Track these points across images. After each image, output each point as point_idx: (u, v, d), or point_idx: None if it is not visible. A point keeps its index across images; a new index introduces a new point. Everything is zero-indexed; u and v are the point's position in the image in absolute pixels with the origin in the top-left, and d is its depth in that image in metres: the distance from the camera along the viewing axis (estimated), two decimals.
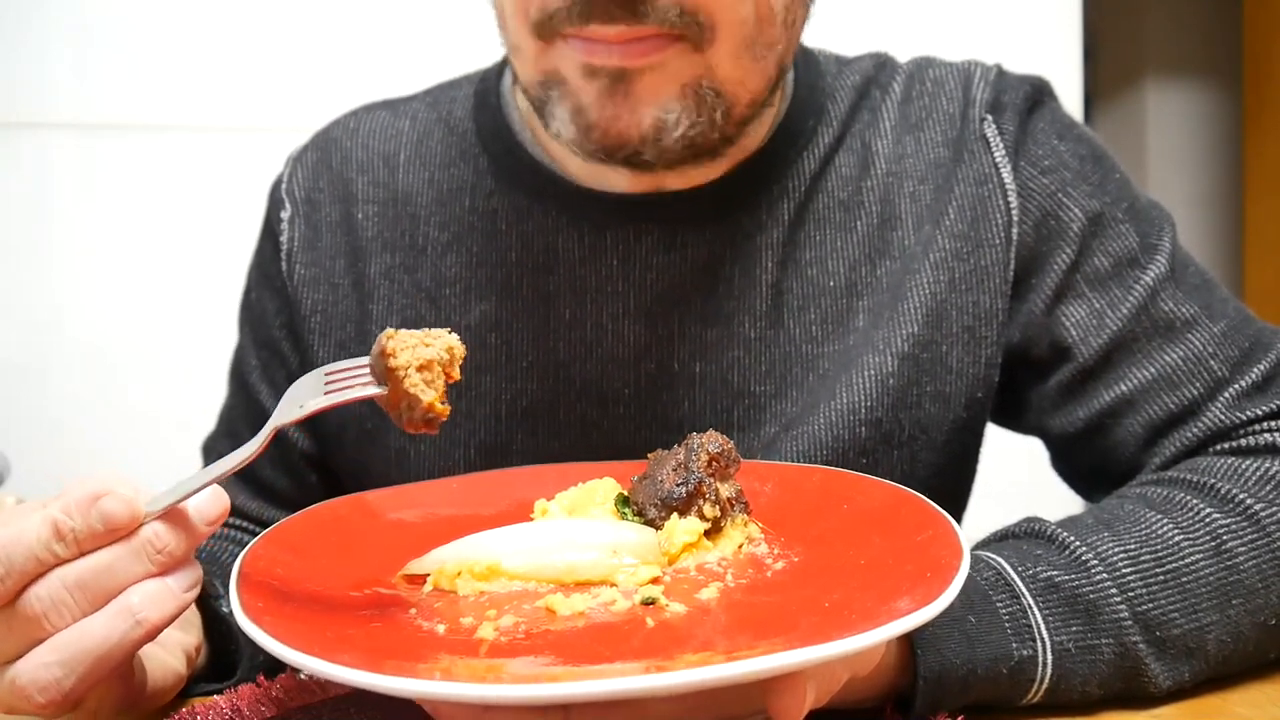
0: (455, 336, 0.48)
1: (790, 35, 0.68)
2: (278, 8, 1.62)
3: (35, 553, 0.43)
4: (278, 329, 0.79)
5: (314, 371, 0.48)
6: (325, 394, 0.47)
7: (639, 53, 0.61)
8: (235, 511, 0.81)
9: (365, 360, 0.48)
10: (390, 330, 0.47)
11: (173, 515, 0.45)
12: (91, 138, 1.60)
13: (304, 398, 0.47)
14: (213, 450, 0.84)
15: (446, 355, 0.48)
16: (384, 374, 0.47)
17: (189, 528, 0.45)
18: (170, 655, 0.56)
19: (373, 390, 0.47)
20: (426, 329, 0.48)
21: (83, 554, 0.43)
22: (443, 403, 0.47)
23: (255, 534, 0.78)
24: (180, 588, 0.45)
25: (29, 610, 0.43)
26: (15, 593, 0.43)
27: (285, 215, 0.80)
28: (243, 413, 0.82)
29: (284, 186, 0.81)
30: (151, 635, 0.44)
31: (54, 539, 0.43)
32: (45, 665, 0.43)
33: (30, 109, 1.59)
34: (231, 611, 0.44)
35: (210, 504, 0.46)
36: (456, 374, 0.48)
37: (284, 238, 0.79)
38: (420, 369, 0.47)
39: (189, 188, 1.61)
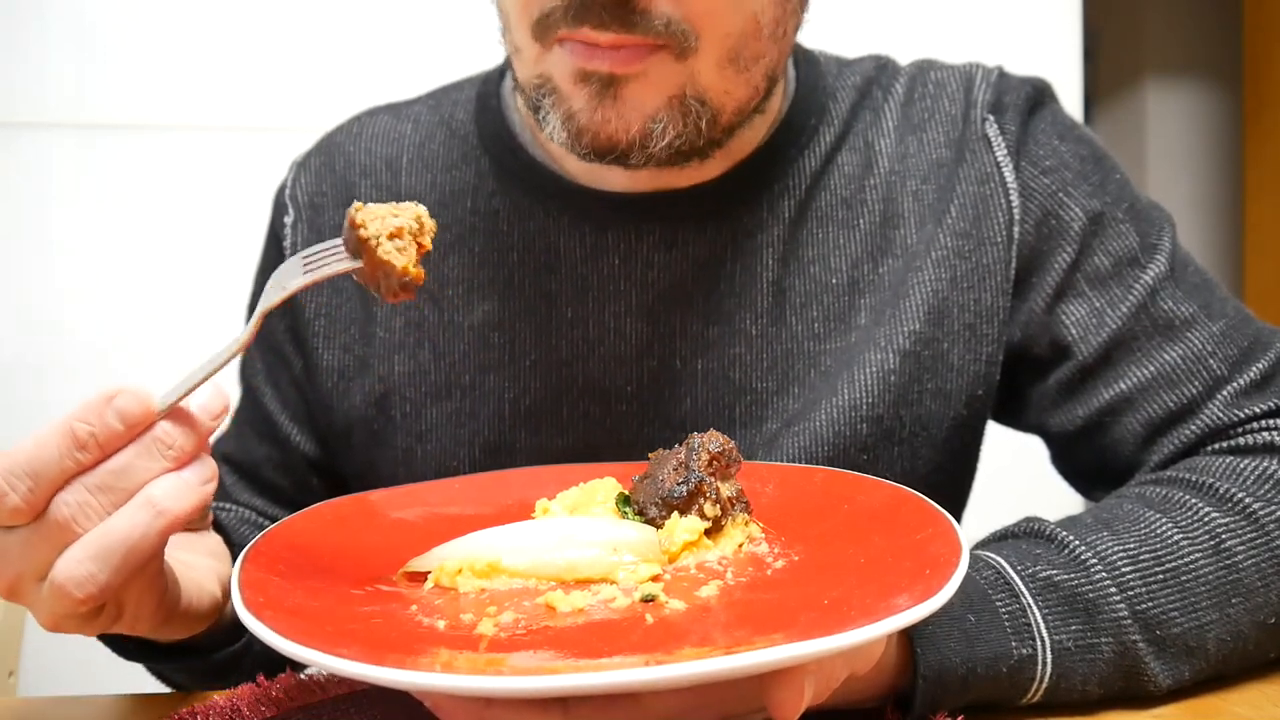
0: (422, 207, 0.50)
1: (780, 47, 0.68)
2: (278, 8, 1.62)
3: (59, 462, 0.44)
4: (282, 333, 0.79)
5: (293, 258, 0.50)
6: (304, 273, 0.49)
7: (625, 60, 0.62)
8: (243, 504, 0.82)
9: (339, 240, 0.50)
10: (358, 204, 0.49)
11: (179, 414, 0.46)
12: (91, 138, 1.60)
13: (285, 279, 0.49)
14: (215, 451, 0.84)
15: (416, 224, 0.50)
16: (357, 246, 0.49)
17: (196, 424, 0.47)
18: (203, 578, 0.59)
19: (348, 264, 0.49)
20: (394, 202, 0.50)
21: (105, 457, 0.45)
22: (416, 266, 0.49)
23: (261, 526, 0.78)
24: (197, 480, 0.46)
25: (58, 517, 0.45)
26: (44, 504, 0.45)
27: (289, 220, 0.80)
28: (248, 415, 0.82)
29: (287, 191, 0.81)
30: (175, 526, 0.46)
31: (75, 447, 0.44)
32: (79, 562, 0.44)
33: (30, 109, 1.59)
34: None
35: (213, 399, 0.47)
36: (428, 243, 0.50)
37: (287, 242, 0.80)
38: (391, 236, 0.48)
39: (189, 187, 1.61)
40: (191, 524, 0.61)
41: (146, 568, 0.48)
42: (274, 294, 0.49)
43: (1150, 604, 0.56)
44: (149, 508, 0.45)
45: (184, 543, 0.62)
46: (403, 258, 0.49)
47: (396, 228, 0.49)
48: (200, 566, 0.60)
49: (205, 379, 0.47)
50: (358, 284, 0.75)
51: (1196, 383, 0.69)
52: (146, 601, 0.51)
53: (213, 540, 0.69)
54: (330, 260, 0.49)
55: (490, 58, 0.83)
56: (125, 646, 0.62)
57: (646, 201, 0.73)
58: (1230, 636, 0.58)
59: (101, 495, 0.45)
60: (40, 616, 0.48)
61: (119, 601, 0.50)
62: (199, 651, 0.64)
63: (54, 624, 0.48)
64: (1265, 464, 0.63)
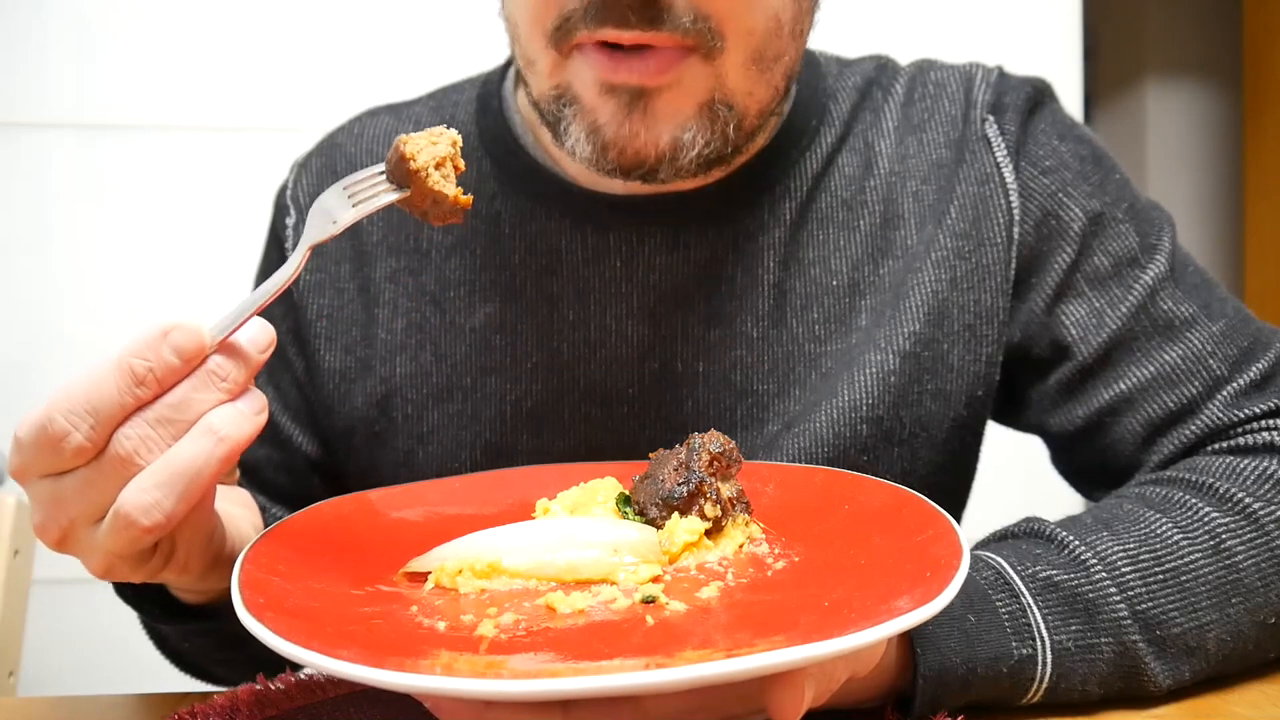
0: (454, 130, 0.52)
1: (797, 45, 0.68)
2: (278, 8, 1.62)
3: (118, 398, 0.45)
4: (284, 334, 0.79)
5: (333, 187, 0.51)
6: (353, 206, 0.50)
7: (657, 70, 0.61)
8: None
9: (378, 169, 0.51)
10: (403, 136, 0.50)
11: (228, 348, 0.47)
12: (91, 138, 1.60)
13: (333, 212, 0.50)
14: None
15: (453, 149, 0.51)
16: (406, 177, 0.50)
17: (245, 357, 0.47)
18: (242, 524, 0.61)
19: (396, 195, 0.51)
20: (429, 129, 0.52)
21: (162, 391, 0.46)
22: (465, 193, 0.51)
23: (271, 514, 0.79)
24: (251, 410, 0.47)
25: (120, 452, 0.45)
26: (104, 441, 0.45)
27: (290, 221, 0.80)
28: None
29: (288, 193, 0.81)
30: (234, 454, 0.46)
31: (134, 383, 0.45)
32: (145, 490, 0.45)
33: (30, 109, 1.59)
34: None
35: (261, 333, 0.48)
36: (462, 164, 0.52)
37: (289, 244, 0.80)
38: (437, 166, 0.50)
39: (189, 188, 1.62)
40: (222, 476, 0.63)
41: (201, 503, 0.49)
42: (323, 226, 0.50)
43: (1150, 604, 0.56)
44: (210, 435, 0.45)
45: (219, 493, 0.63)
46: (451, 185, 0.51)
47: (440, 157, 0.50)
48: (238, 515, 0.62)
49: (252, 314, 0.48)
50: (362, 301, 0.76)
51: (1196, 383, 0.69)
52: (198, 541, 0.52)
53: (243, 493, 0.70)
54: (376, 191, 0.51)
55: (490, 58, 0.83)
56: (154, 611, 0.63)
57: (648, 204, 0.73)
58: (1230, 636, 0.58)
59: (161, 428, 0.45)
60: (93, 562, 0.48)
61: (172, 540, 0.51)
62: (225, 613, 0.63)
63: (107, 567, 0.48)
64: (1265, 464, 0.63)
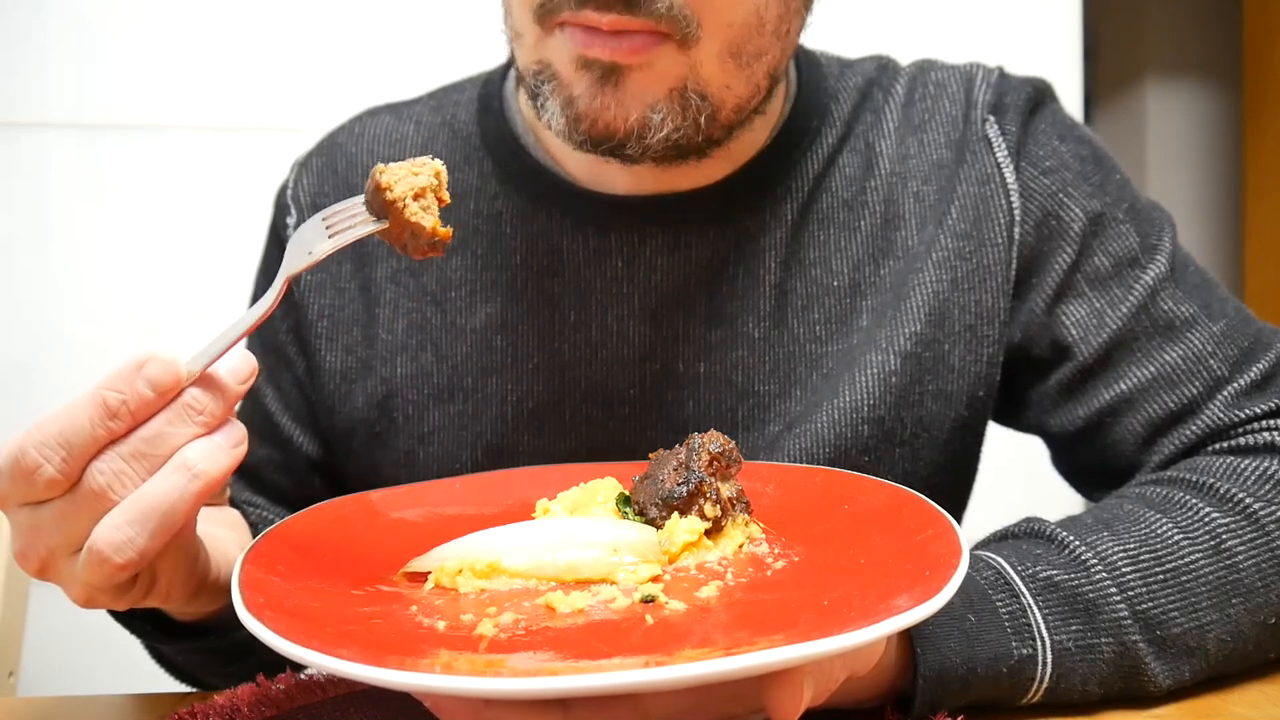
0: (439, 161, 0.51)
1: (783, 45, 0.68)
2: (278, 8, 1.62)
3: (91, 431, 0.44)
4: (284, 334, 0.79)
5: (312, 218, 0.50)
6: (330, 237, 0.49)
7: (629, 50, 0.62)
8: (244, 503, 0.81)
9: (359, 200, 0.50)
10: (380, 165, 0.49)
11: (206, 379, 0.47)
12: (91, 138, 1.60)
13: (310, 244, 0.49)
14: None
15: (435, 180, 0.50)
16: (383, 208, 0.49)
17: (224, 388, 0.47)
18: (228, 548, 0.60)
19: (373, 226, 0.49)
20: (412, 159, 0.50)
21: (136, 424, 0.45)
22: (443, 226, 0.50)
23: (261, 526, 0.79)
24: (228, 444, 0.47)
25: (94, 485, 0.45)
26: (78, 474, 0.45)
27: (290, 221, 0.80)
28: (249, 417, 0.82)
29: (289, 192, 0.81)
30: (209, 489, 0.46)
31: (107, 416, 0.45)
32: (117, 527, 0.44)
33: (30, 109, 1.59)
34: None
35: (241, 364, 0.48)
36: (446, 197, 0.50)
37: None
38: (416, 197, 0.49)
39: (189, 188, 1.61)
40: (210, 497, 0.62)
41: (180, 535, 0.49)
42: (300, 258, 0.49)
43: (1150, 604, 0.57)
44: (184, 471, 0.45)
45: (206, 515, 0.62)
46: (430, 217, 0.49)
47: (420, 188, 0.49)
48: (224, 538, 0.61)
49: (231, 345, 0.47)
50: (363, 301, 0.76)
51: (1197, 383, 0.69)
52: (179, 570, 0.52)
53: (232, 514, 0.70)
54: (354, 222, 0.50)
55: (490, 58, 0.83)
56: (146, 629, 0.63)
57: (649, 204, 0.73)
58: (1230, 636, 0.58)
59: (135, 462, 0.45)
60: (73, 591, 0.48)
61: (153, 571, 0.50)
62: (219, 630, 0.64)
63: (88, 598, 0.48)
64: (1266, 464, 0.63)
